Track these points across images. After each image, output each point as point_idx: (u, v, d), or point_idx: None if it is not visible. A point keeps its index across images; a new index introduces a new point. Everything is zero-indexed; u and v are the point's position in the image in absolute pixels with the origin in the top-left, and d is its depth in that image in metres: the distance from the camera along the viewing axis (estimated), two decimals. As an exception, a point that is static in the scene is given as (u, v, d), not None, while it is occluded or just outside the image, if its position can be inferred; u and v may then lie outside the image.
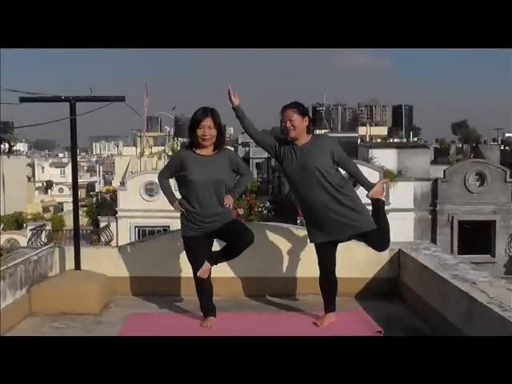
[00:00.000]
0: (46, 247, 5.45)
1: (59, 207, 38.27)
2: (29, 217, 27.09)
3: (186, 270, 4.75)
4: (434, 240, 19.51)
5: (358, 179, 4.36)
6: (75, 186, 5.41)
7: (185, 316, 4.80)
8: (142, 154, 29.65)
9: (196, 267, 4.38)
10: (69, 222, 20.35)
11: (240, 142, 43.89)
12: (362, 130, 39.11)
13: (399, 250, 5.40)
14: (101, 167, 47.65)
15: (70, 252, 5.31)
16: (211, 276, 4.80)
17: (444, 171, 21.21)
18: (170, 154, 25.47)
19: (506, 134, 45.41)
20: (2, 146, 31.30)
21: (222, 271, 4.63)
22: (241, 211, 19.33)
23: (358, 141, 29.65)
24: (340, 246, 4.45)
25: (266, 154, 37.60)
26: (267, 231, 5.18)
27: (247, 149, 41.45)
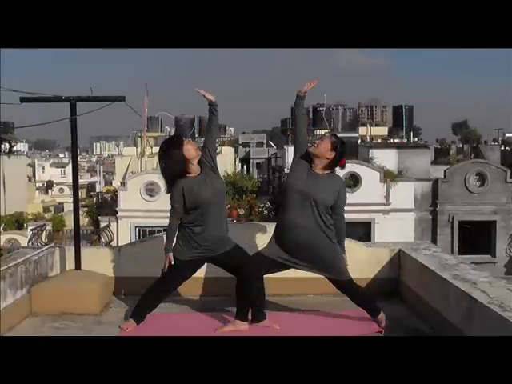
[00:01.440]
0: (46, 247, 5.44)
1: (60, 207, 38.02)
2: (29, 217, 26.91)
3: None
4: (434, 240, 19.37)
5: (340, 224, 4.34)
6: (75, 186, 5.40)
7: (185, 316, 4.79)
8: (142, 154, 29.45)
9: (163, 287, 4.46)
10: (69, 222, 20.30)
11: (240, 143, 43.75)
12: (362, 130, 38.95)
13: (400, 250, 5.40)
14: (101, 167, 47.33)
15: (70, 252, 5.31)
16: (209, 276, 4.79)
17: (444, 171, 21.11)
18: None
19: (507, 135, 45.20)
20: (3, 146, 31.13)
21: (221, 271, 4.61)
22: (241, 211, 19.25)
23: (359, 141, 29.55)
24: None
25: (266, 155, 37.59)
26: (267, 231, 5.17)
27: (247, 149, 41.30)
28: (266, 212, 20.04)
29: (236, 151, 38.24)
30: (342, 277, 4.31)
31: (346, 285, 4.35)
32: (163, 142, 4.47)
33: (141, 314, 4.43)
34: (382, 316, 4.37)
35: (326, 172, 4.28)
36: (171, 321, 4.62)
